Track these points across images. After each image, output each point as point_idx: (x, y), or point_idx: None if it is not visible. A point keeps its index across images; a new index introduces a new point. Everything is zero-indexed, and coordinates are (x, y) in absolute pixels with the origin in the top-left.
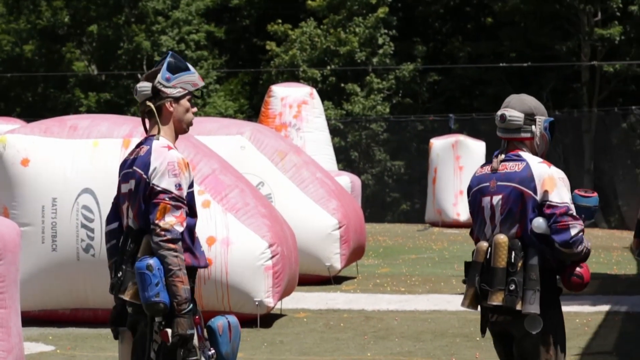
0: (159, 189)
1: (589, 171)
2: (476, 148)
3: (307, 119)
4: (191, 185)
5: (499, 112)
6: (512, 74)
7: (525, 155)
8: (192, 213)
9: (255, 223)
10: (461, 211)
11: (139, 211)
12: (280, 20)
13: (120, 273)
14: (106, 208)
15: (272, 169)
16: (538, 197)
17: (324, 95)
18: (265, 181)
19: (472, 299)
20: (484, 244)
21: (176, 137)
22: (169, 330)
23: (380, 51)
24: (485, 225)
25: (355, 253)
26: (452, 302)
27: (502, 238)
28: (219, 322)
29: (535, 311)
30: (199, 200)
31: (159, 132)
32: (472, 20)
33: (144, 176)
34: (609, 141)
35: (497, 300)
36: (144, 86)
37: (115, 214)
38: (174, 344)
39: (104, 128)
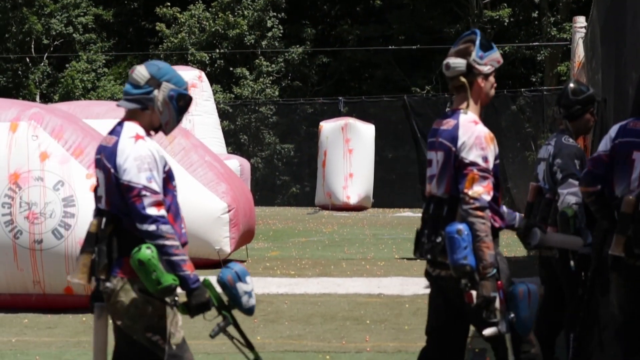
0: (467, 161)
1: None
2: (366, 131)
3: (195, 102)
4: (497, 158)
5: None
6: (401, 57)
7: None
8: (497, 183)
9: None
10: (351, 194)
11: (451, 181)
12: (169, 3)
13: (440, 238)
14: None
15: None
16: None
17: (212, 79)
18: None
19: (623, 247)
20: (630, 198)
21: (481, 111)
22: (474, 292)
23: (269, 34)
24: (630, 176)
25: (245, 236)
26: (342, 285)
27: None
28: (520, 288)
29: None
30: (87, 183)
31: (467, 107)
32: (360, 3)
33: (453, 149)
34: (499, 124)
35: None
36: (458, 62)
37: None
38: (478, 305)
39: None
